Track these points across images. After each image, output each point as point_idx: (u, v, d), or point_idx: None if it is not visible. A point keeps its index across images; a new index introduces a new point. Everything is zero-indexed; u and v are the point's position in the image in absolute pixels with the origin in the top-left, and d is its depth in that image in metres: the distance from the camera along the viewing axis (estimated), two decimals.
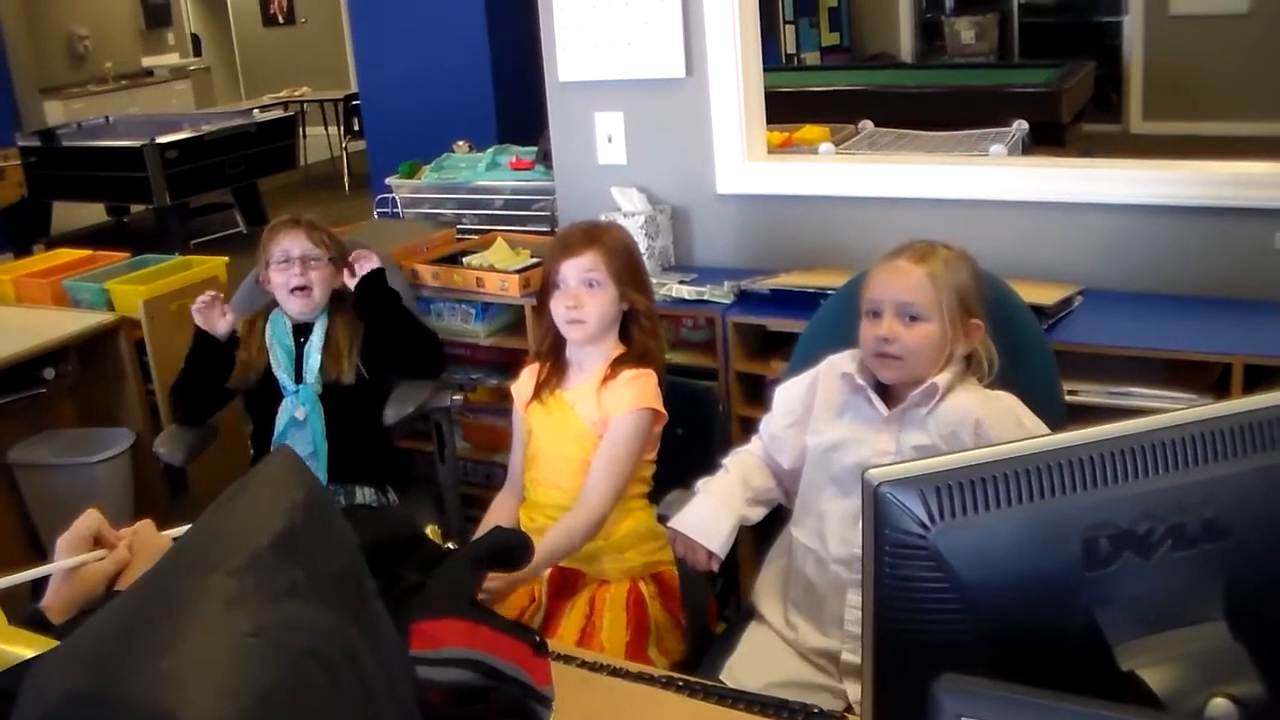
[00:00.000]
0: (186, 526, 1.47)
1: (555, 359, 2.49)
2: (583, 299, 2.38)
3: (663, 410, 2.40)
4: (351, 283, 2.89)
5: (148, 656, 0.83)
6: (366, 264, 2.90)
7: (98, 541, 1.44)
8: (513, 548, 1.87)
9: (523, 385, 2.54)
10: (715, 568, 2.09)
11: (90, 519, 1.46)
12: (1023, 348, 2.18)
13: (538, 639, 1.58)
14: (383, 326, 2.90)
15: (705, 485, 2.15)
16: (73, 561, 1.40)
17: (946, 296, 1.97)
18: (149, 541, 1.46)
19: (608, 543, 2.35)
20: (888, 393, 2.03)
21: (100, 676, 0.83)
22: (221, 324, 2.87)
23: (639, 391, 2.37)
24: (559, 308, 2.40)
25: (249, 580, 0.89)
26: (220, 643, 0.84)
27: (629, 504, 2.40)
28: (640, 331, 2.46)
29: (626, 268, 2.43)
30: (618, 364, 2.41)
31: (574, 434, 2.40)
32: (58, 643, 1.24)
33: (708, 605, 2.43)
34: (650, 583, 2.38)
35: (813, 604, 2.04)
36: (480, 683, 1.55)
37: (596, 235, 2.43)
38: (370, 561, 1.56)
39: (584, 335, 2.41)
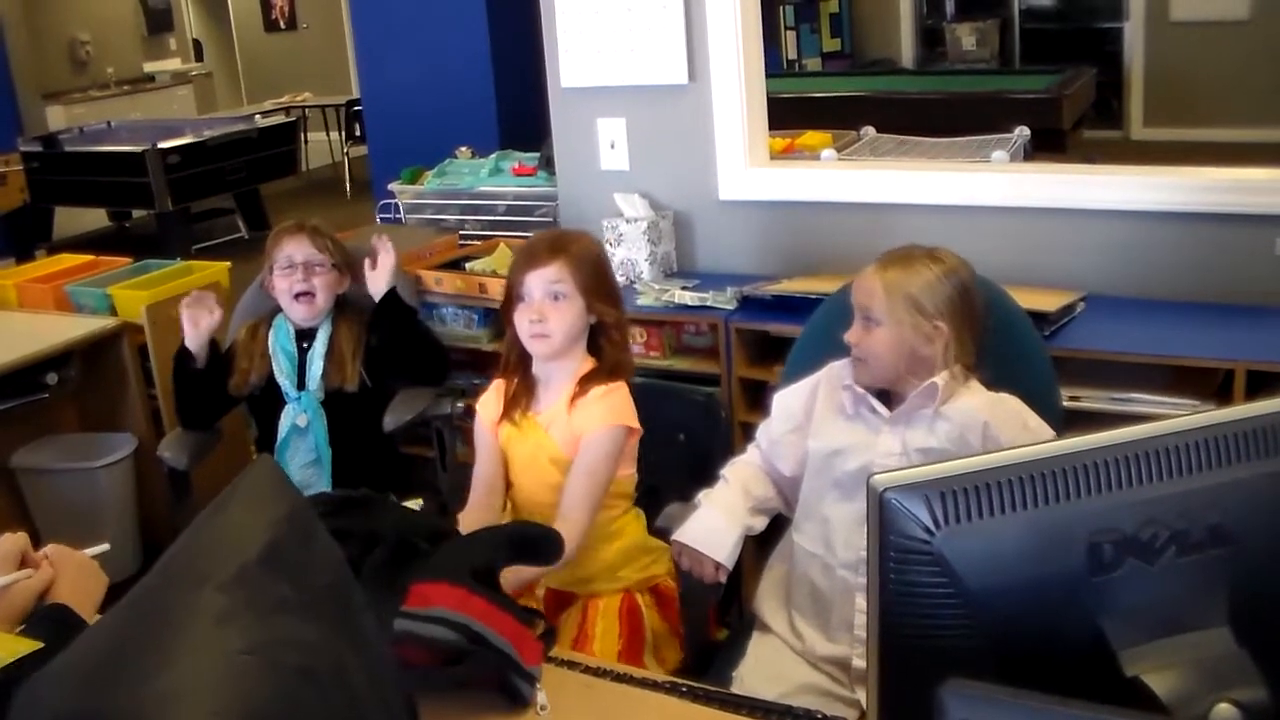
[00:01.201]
0: (103, 546, 1.56)
1: (522, 374, 2.37)
2: (547, 312, 2.25)
3: (637, 425, 2.30)
4: (372, 284, 2.89)
5: (140, 676, 0.82)
6: (385, 268, 2.90)
7: (23, 562, 1.48)
8: (538, 540, 1.87)
9: (489, 403, 2.41)
10: (723, 579, 2.08)
11: (15, 540, 1.50)
12: (1020, 355, 2.18)
13: (540, 623, 1.58)
14: (397, 339, 2.90)
15: (707, 497, 2.14)
16: (4, 580, 1.44)
17: (897, 300, 2.00)
18: (68, 559, 1.51)
19: (601, 566, 2.29)
20: (890, 397, 2.04)
21: (93, 697, 0.82)
22: (205, 320, 2.86)
23: (610, 408, 2.27)
24: (523, 321, 2.28)
25: (239, 595, 0.88)
26: (213, 661, 0.83)
27: (615, 525, 2.33)
28: (610, 345, 2.35)
29: (594, 278, 2.30)
30: (587, 380, 2.30)
31: (551, 457, 2.30)
32: (37, 644, 1.25)
33: (709, 613, 2.41)
34: (648, 594, 2.35)
35: (819, 610, 2.04)
36: (462, 645, 1.58)
37: (563, 245, 2.31)
38: (395, 544, 1.60)
39: (549, 349, 2.29)
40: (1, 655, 1.20)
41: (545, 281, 2.26)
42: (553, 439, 2.30)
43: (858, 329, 2.04)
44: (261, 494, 1.01)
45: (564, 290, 2.26)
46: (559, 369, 2.33)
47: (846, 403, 2.06)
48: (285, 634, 0.88)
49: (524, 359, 2.35)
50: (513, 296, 2.31)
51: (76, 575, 1.49)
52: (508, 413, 2.37)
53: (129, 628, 0.90)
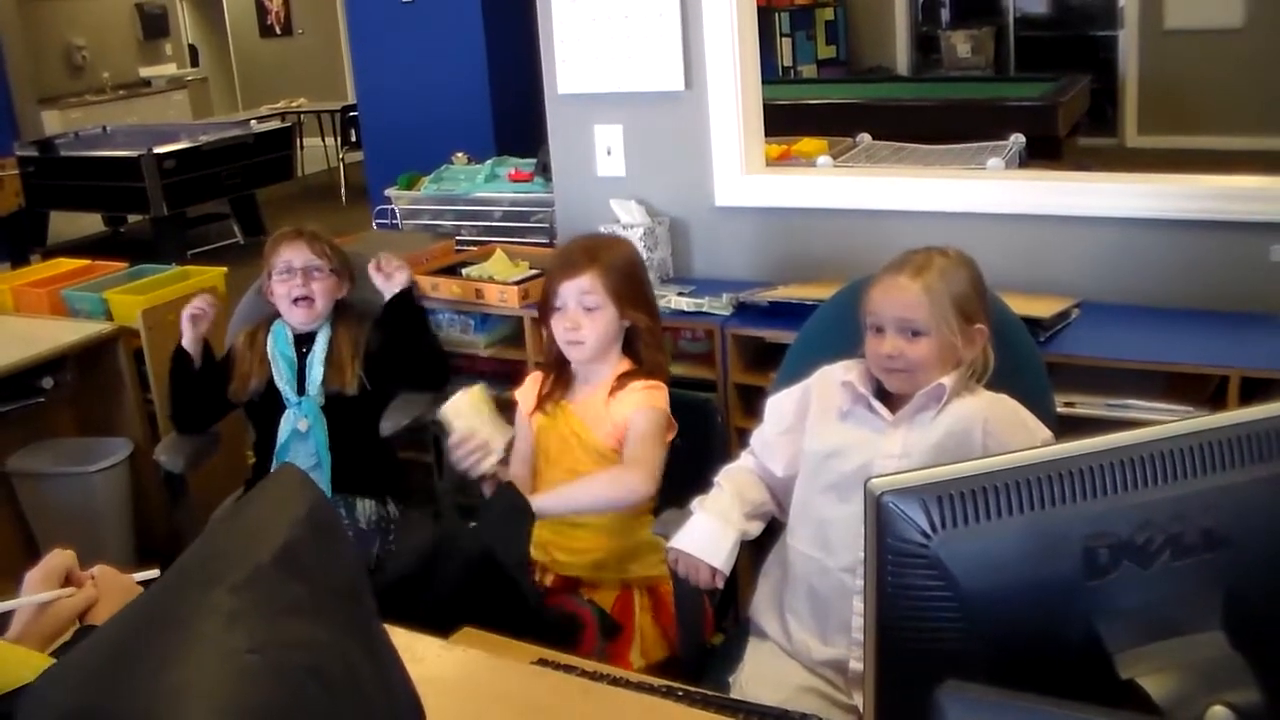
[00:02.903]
0: (153, 572, 1.49)
1: (560, 370, 2.48)
2: (580, 321, 2.37)
3: (673, 420, 2.40)
4: (383, 286, 2.89)
5: (146, 675, 0.82)
6: (400, 275, 2.90)
7: (68, 579, 1.45)
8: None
9: (527, 392, 2.53)
10: (720, 584, 2.09)
11: (62, 556, 1.47)
12: (1015, 361, 2.18)
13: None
14: (403, 341, 2.90)
15: (701, 503, 2.14)
16: (45, 596, 1.41)
17: (945, 308, 1.98)
18: (114, 581, 1.48)
19: (609, 555, 2.35)
20: (891, 396, 2.04)
21: (98, 695, 0.82)
22: (204, 321, 2.87)
23: (650, 396, 2.38)
24: (558, 328, 2.40)
25: (249, 596, 0.88)
26: (219, 661, 0.83)
27: (639, 519, 2.40)
28: (646, 348, 2.45)
29: (626, 285, 2.40)
30: (626, 377, 2.40)
31: (585, 446, 2.40)
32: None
33: (703, 618, 2.42)
34: (645, 594, 2.38)
35: (816, 613, 2.03)
36: None
37: (596, 253, 2.40)
38: None
39: (583, 356, 2.41)
40: (26, 673, 1.19)
41: (578, 292, 2.37)
42: (589, 428, 2.40)
43: (897, 341, 1.99)
44: (281, 495, 1.02)
45: (596, 301, 2.37)
46: (596, 368, 2.44)
47: (844, 401, 2.05)
48: (294, 635, 0.88)
49: (561, 357, 2.46)
50: (549, 303, 2.42)
51: (120, 600, 1.44)
52: (541, 404, 2.48)
53: (138, 627, 0.90)
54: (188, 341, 2.88)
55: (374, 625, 1.01)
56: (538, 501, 2.24)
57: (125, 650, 0.86)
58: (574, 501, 2.31)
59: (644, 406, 2.36)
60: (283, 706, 0.83)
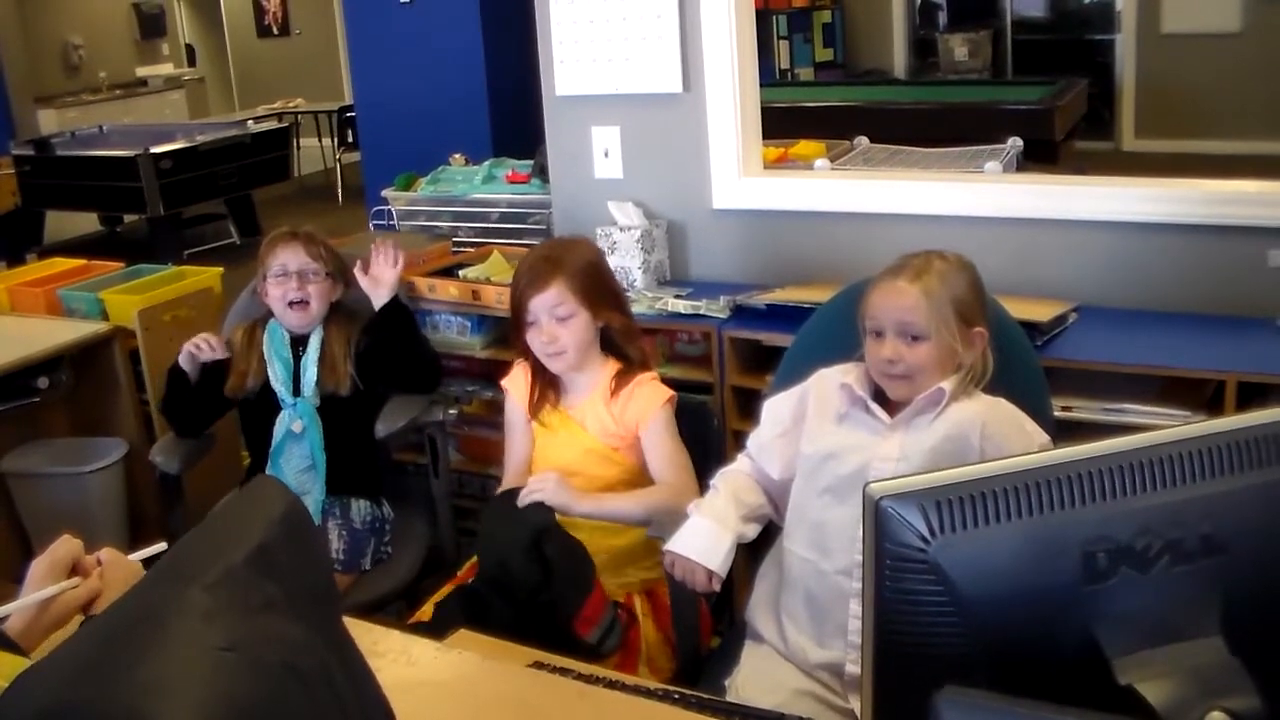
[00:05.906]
0: (157, 547, 1.50)
1: (545, 374, 2.47)
2: (557, 333, 2.37)
3: (674, 395, 2.44)
4: (372, 292, 2.88)
5: (122, 672, 0.82)
6: (389, 276, 2.88)
7: (74, 568, 1.44)
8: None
9: (517, 381, 2.52)
10: (717, 588, 2.08)
11: (69, 545, 1.45)
12: (1013, 365, 2.18)
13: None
14: (394, 347, 2.89)
15: (698, 506, 2.14)
16: (46, 593, 1.40)
17: (945, 312, 1.98)
18: (118, 568, 1.47)
19: (608, 559, 2.34)
20: (888, 399, 2.04)
21: (74, 693, 0.82)
22: (206, 356, 2.86)
23: (654, 390, 2.40)
24: (535, 343, 2.40)
25: (223, 594, 0.88)
26: (195, 657, 0.83)
27: None
28: (625, 343, 2.47)
29: (594, 287, 2.40)
30: (623, 375, 2.42)
31: (585, 449, 2.40)
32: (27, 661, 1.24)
33: (699, 622, 2.42)
34: (645, 600, 2.38)
35: (813, 616, 2.03)
36: None
37: (556, 261, 2.39)
38: None
39: (565, 366, 2.42)
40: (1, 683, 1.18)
41: (548, 305, 2.37)
42: (589, 431, 2.41)
43: (897, 345, 1.99)
44: (256, 499, 1.02)
45: (568, 310, 2.36)
46: (584, 374, 2.45)
47: (841, 404, 2.05)
48: (269, 632, 0.88)
49: (542, 365, 2.46)
50: (521, 320, 2.41)
51: (125, 588, 1.44)
52: (534, 411, 2.47)
53: (117, 626, 0.90)
54: (184, 362, 2.87)
55: (343, 629, 1.02)
56: (583, 507, 2.28)
57: (102, 649, 0.86)
58: (621, 512, 2.34)
59: (656, 406, 2.38)
60: (260, 702, 0.83)
